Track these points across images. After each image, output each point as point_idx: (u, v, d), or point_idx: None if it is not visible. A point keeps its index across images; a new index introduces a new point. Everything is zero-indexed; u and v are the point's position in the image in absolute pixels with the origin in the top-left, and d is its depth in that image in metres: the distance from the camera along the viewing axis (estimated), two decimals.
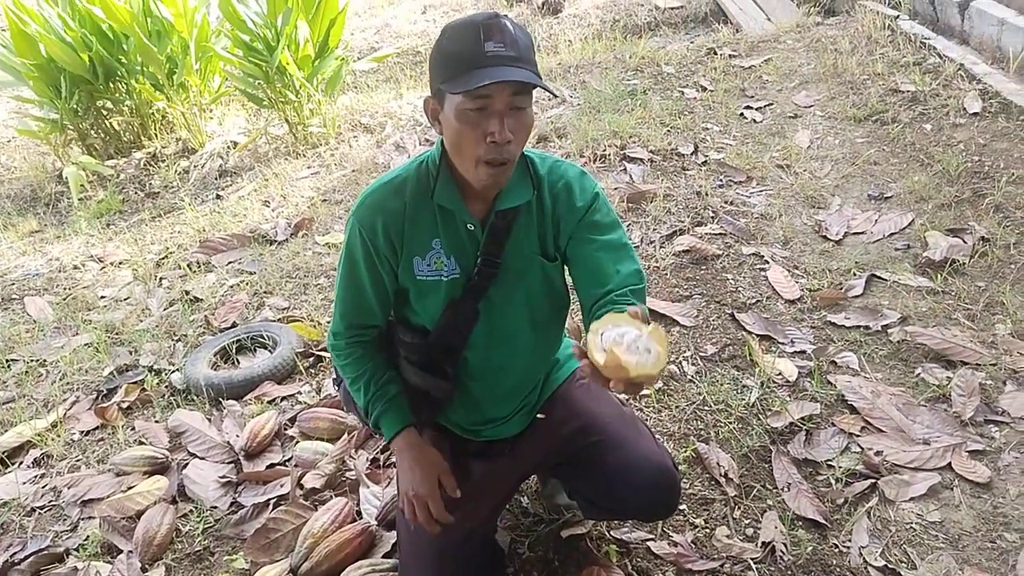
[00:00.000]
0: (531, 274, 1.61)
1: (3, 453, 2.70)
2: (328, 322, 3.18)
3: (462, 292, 1.59)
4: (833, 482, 2.09)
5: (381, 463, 2.39)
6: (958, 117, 4.05)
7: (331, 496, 2.27)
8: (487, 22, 1.35)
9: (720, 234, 3.35)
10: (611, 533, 1.98)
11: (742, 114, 4.64)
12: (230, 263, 3.92)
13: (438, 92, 1.42)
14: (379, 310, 1.66)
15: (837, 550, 1.90)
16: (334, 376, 1.96)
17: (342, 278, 1.65)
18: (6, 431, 2.82)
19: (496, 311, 1.62)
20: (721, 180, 3.85)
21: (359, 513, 2.19)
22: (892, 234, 3.23)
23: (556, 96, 1.38)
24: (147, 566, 2.15)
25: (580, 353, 1.23)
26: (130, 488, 2.44)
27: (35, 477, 2.62)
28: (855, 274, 2.98)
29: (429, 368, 1.67)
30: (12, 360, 3.35)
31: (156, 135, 5.62)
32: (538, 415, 1.81)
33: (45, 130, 5.37)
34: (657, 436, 1.85)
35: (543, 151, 1.67)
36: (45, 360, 3.32)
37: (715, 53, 5.70)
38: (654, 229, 3.45)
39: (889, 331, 2.64)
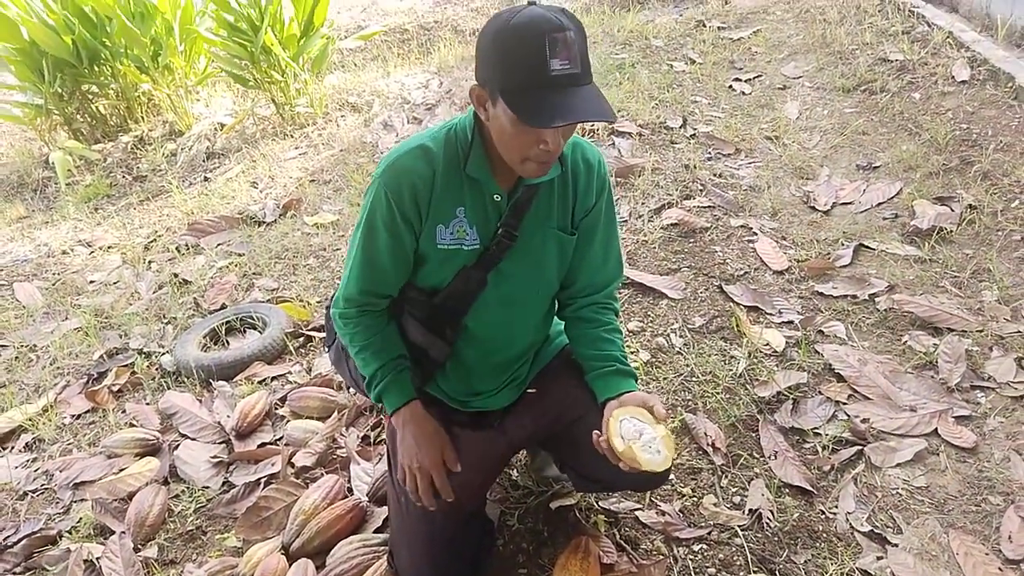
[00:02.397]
0: (547, 247, 1.64)
1: None
2: (319, 302, 3.20)
3: (476, 261, 1.60)
4: (820, 449, 2.10)
5: (371, 440, 2.39)
6: (946, 85, 4.04)
7: (322, 474, 2.28)
8: (553, 35, 1.29)
9: (708, 207, 3.34)
10: (599, 503, 1.99)
11: (731, 86, 4.62)
12: (219, 245, 3.90)
13: (494, 92, 1.37)
14: (395, 279, 1.64)
15: (824, 516, 1.92)
16: (325, 337, 1.97)
17: (360, 244, 1.60)
18: None
19: (504, 282, 1.63)
20: (710, 153, 3.84)
21: (350, 490, 2.20)
22: (880, 203, 3.23)
23: (614, 121, 1.39)
24: (140, 546, 2.16)
25: (597, 438, 1.49)
26: (122, 470, 2.44)
27: (27, 461, 2.62)
28: (843, 244, 2.98)
29: (431, 327, 1.68)
30: (2, 346, 3.35)
31: (143, 118, 5.57)
32: (528, 390, 1.81)
33: (30, 115, 5.32)
34: None
35: None
36: (35, 345, 3.31)
37: (704, 25, 5.66)
38: (642, 203, 3.44)
39: (876, 300, 2.65)
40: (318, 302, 3.21)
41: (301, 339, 2.98)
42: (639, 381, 2.39)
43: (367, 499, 2.14)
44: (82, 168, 5.23)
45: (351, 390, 2.51)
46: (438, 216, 1.56)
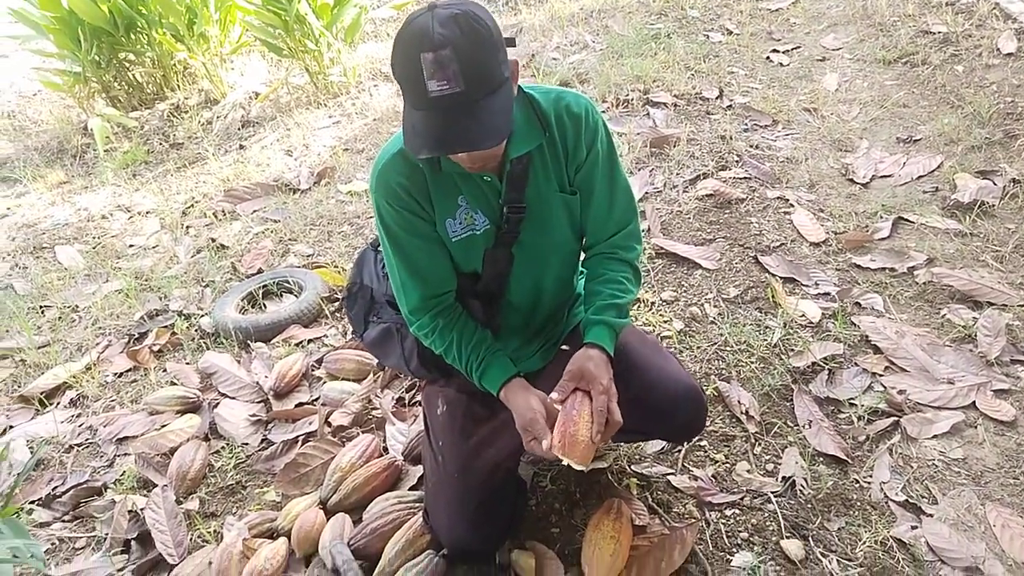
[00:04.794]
0: (555, 211, 1.63)
1: (41, 394, 2.78)
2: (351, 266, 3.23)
3: (495, 241, 1.61)
4: (855, 420, 2.10)
5: (406, 402, 2.43)
6: (991, 58, 3.94)
7: (358, 433, 2.33)
8: (426, 54, 1.24)
9: (745, 178, 3.31)
10: (632, 467, 2.01)
11: (768, 57, 4.55)
12: (255, 211, 3.95)
13: None
14: (444, 273, 1.63)
15: (858, 485, 1.92)
16: (353, 329, 2.00)
17: (395, 259, 1.60)
18: (43, 374, 2.90)
19: (529, 251, 1.64)
20: (746, 124, 3.79)
21: (385, 449, 2.24)
22: (920, 177, 3.17)
23: (496, 144, 1.34)
24: (181, 499, 2.23)
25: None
26: (163, 426, 2.51)
27: (72, 416, 2.70)
28: (882, 217, 2.94)
29: (481, 308, 1.70)
30: (46, 306, 3.43)
31: (179, 86, 5.62)
32: (562, 347, 1.82)
33: (68, 82, 5.39)
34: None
35: (541, 85, 1.64)
36: (77, 306, 3.39)
37: None
38: (677, 173, 3.41)
39: (915, 273, 2.62)
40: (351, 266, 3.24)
41: (336, 303, 3.01)
42: (673, 348, 2.41)
43: (402, 458, 2.18)
44: (120, 135, 5.29)
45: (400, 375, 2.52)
46: (443, 211, 1.57)
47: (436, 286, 1.62)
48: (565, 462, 1.46)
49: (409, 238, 1.57)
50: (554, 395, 1.52)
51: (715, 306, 2.60)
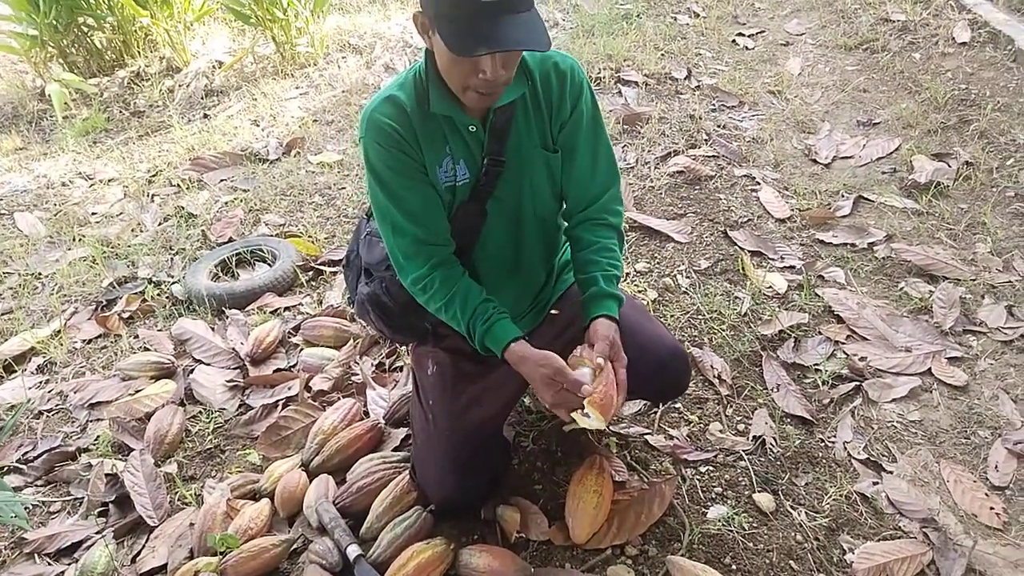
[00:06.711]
0: (535, 168, 1.65)
1: (5, 360, 2.73)
2: (326, 238, 3.23)
3: (469, 195, 1.63)
4: (820, 384, 2.20)
5: (386, 368, 2.46)
6: (947, 46, 4.09)
7: (338, 398, 2.34)
8: None
9: (713, 156, 3.40)
10: (610, 428, 2.08)
11: (734, 41, 4.65)
12: (222, 181, 3.91)
13: (431, 18, 1.38)
14: (439, 216, 1.61)
15: (823, 444, 2.02)
16: (348, 295, 2.01)
17: (386, 200, 1.57)
18: (7, 340, 2.85)
19: (504, 208, 1.66)
20: (714, 104, 3.88)
21: (366, 413, 2.27)
22: (879, 158, 3.30)
23: (545, 50, 1.38)
24: (159, 463, 2.22)
25: None
26: (137, 392, 2.49)
27: (40, 383, 2.67)
28: (843, 195, 3.06)
29: None
30: (7, 273, 3.36)
31: (139, 53, 5.49)
32: (551, 311, 1.87)
33: (24, 46, 5.22)
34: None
35: None
36: (40, 273, 3.33)
37: None
38: (649, 150, 3.49)
39: (875, 248, 2.73)
40: (325, 238, 3.24)
41: (311, 273, 3.02)
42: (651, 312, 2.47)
43: (384, 422, 2.21)
44: (78, 102, 5.16)
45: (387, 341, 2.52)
46: (431, 157, 1.57)
47: (430, 230, 1.60)
48: (579, 423, 1.52)
49: (400, 179, 1.56)
50: (600, 360, 1.53)
51: (687, 277, 2.68)
